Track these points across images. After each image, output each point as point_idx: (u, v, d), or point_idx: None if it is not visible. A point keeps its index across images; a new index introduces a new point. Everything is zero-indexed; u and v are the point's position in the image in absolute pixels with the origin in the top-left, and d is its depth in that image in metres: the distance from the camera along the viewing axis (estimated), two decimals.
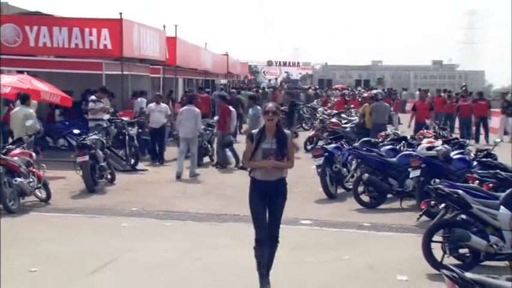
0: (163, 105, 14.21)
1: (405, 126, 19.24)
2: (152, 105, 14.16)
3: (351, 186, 10.49)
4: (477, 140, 19.26)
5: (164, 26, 17.89)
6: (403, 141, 11.59)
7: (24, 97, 11.28)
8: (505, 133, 20.35)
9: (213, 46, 28.52)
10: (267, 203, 5.72)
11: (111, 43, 14.01)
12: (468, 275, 3.58)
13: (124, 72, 15.01)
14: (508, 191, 6.67)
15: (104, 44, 14.05)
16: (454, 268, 3.62)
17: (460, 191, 6.63)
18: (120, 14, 14.07)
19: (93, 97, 12.76)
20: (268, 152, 5.65)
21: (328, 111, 21.60)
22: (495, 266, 6.50)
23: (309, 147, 16.68)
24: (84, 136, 11.03)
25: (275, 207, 5.75)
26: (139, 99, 15.95)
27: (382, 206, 9.89)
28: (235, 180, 12.19)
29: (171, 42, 18.60)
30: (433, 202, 7.05)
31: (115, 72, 14.68)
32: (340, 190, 10.95)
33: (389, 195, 10.11)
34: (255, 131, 5.85)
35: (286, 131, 5.87)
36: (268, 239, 5.66)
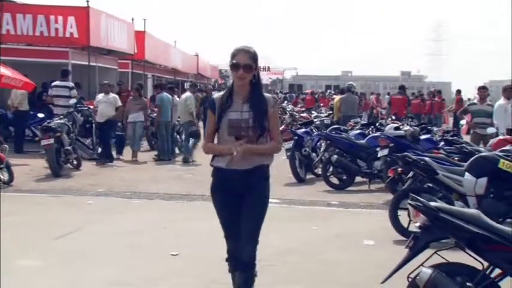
0: (111, 95, 12.72)
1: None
2: (100, 95, 12.71)
3: (320, 172, 10.52)
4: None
5: (133, 19, 17.74)
6: (372, 126, 11.69)
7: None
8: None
9: (182, 45, 28.43)
10: (238, 202, 3.83)
11: (77, 31, 13.80)
12: (432, 203, 3.59)
13: (91, 64, 14.78)
14: (472, 158, 6.77)
15: (70, 32, 13.83)
16: (418, 198, 3.62)
17: (426, 159, 6.73)
18: (87, 1, 13.90)
19: (58, 83, 12.48)
20: (237, 126, 3.70)
21: (298, 109, 21.73)
22: None
23: None
24: (49, 120, 10.81)
25: (248, 212, 3.80)
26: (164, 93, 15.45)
27: (351, 188, 9.95)
28: (204, 166, 12.11)
29: (140, 36, 18.45)
30: (400, 169, 7.11)
31: (82, 62, 14.46)
32: (309, 176, 10.99)
33: (358, 180, 10.18)
34: (218, 94, 3.91)
35: (267, 95, 3.90)
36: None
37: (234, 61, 3.69)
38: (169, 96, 13.34)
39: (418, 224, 3.57)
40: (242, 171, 3.74)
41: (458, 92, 23.53)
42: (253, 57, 3.73)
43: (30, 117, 13.56)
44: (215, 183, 3.90)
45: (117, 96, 12.84)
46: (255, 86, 3.78)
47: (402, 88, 18.67)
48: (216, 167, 3.85)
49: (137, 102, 13.03)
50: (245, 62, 3.68)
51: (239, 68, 3.67)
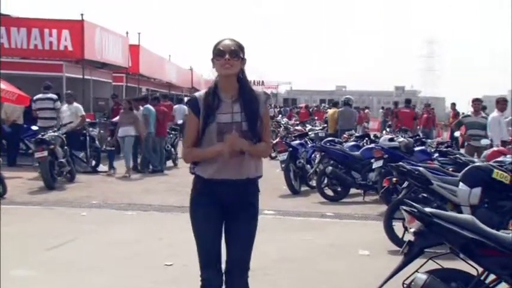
0: (74, 104, 12.29)
1: None
2: (64, 106, 12.41)
3: (314, 184, 10.52)
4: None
5: (127, 33, 17.79)
6: (366, 138, 11.72)
7: None
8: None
9: (176, 60, 28.62)
10: (223, 221, 3.37)
11: (71, 44, 13.78)
12: (427, 209, 3.59)
13: (85, 77, 14.78)
14: (466, 168, 6.79)
15: (65, 45, 13.82)
16: (413, 203, 3.62)
17: (420, 168, 6.74)
18: (82, 15, 13.94)
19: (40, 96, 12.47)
20: (228, 131, 3.22)
21: (293, 122, 21.82)
22: None
23: (273, 154, 16.68)
24: (42, 133, 10.79)
25: (239, 231, 3.36)
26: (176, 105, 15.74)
27: (345, 199, 9.94)
28: None
29: (134, 50, 18.48)
30: (394, 179, 7.13)
31: (76, 75, 14.45)
32: (304, 188, 10.98)
33: (352, 191, 10.17)
34: (200, 93, 3.37)
35: (258, 90, 3.47)
36: (219, 285, 3.37)
37: (221, 47, 3.23)
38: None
39: (412, 230, 3.57)
40: (233, 183, 3.25)
41: (453, 105, 23.66)
42: (240, 46, 3.29)
43: (23, 130, 13.51)
44: (197, 196, 3.35)
45: (79, 106, 12.43)
46: (243, 82, 3.33)
47: (408, 102, 18.79)
48: (199, 177, 3.32)
49: (128, 116, 12.54)
50: (231, 47, 3.23)
51: (224, 54, 3.20)
